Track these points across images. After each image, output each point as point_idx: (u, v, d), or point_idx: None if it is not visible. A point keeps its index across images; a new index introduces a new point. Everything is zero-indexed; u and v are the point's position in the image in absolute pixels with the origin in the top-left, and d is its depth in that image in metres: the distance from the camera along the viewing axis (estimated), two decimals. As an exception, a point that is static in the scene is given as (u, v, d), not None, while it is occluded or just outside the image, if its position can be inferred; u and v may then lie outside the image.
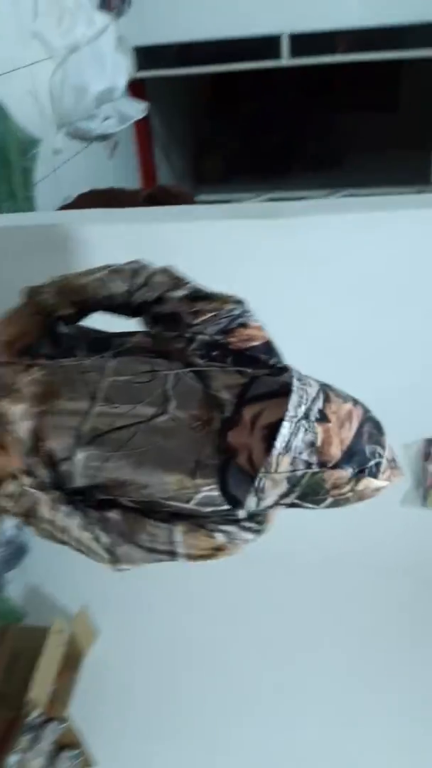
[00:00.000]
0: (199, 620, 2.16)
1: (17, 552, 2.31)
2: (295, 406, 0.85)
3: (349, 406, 0.89)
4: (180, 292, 1.10)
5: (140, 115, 3.66)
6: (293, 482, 0.86)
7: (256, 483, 0.87)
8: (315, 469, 0.85)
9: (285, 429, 0.83)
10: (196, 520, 1.02)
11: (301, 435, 0.84)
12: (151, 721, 2.02)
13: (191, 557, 1.03)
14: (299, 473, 0.85)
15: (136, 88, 3.82)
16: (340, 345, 1.74)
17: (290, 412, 0.84)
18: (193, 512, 1.01)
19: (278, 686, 2.04)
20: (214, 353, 1.03)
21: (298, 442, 0.83)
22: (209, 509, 1.00)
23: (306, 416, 0.85)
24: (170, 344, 1.06)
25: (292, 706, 2.00)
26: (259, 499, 0.89)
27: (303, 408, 0.85)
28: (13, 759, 1.53)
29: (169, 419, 1.00)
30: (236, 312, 1.06)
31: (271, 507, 0.94)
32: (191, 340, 1.04)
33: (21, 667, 1.89)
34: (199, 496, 0.98)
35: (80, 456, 1.02)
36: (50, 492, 1.05)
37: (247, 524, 1.02)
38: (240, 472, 0.93)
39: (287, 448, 0.83)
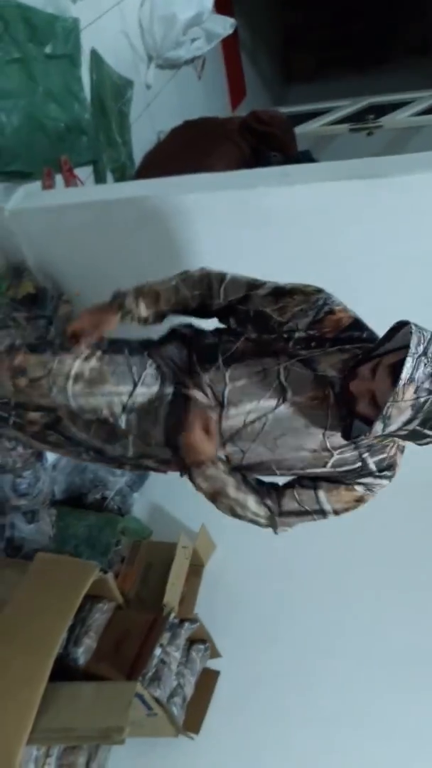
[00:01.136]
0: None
1: (140, 477, 2.65)
2: (415, 345, 1.01)
3: None
4: (262, 291, 1.24)
5: (228, 31, 3.56)
6: (417, 408, 1.02)
7: (384, 411, 1.03)
8: None
9: (408, 363, 0.99)
10: (335, 478, 1.24)
11: (422, 368, 1.00)
12: (259, 618, 2.36)
13: (338, 512, 1.26)
14: (422, 399, 1.01)
15: (221, -1, 3.67)
16: None
17: (412, 350, 1.00)
18: (330, 474, 1.24)
19: (379, 599, 2.30)
20: (313, 344, 1.19)
21: (420, 374, 1.00)
22: (344, 469, 1.22)
23: (425, 353, 1.01)
24: (272, 345, 1.22)
25: (396, 619, 2.25)
26: (385, 426, 1.06)
27: (422, 347, 1.01)
28: (158, 651, 1.90)
29: (289, 405, 1.19)
30: (320, 302, 1.19)
31: (394, 432, 1.09)
32: (289, 338, 1.20)
33: (154, 576, 2.24)
34: (333, 459, 1.20)
35: (221, 454, 1.25)
36: (234, 475, 1.27)
37: (380, 474, 1.23)
38: (360, 422, 1.12)
39: (411, 378, 0.99)
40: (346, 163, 1.75)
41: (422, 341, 1.01)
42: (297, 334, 1.20)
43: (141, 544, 2.36)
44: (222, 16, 3.52)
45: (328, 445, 1.19)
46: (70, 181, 2.56)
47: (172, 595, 2.14)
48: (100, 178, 2.79)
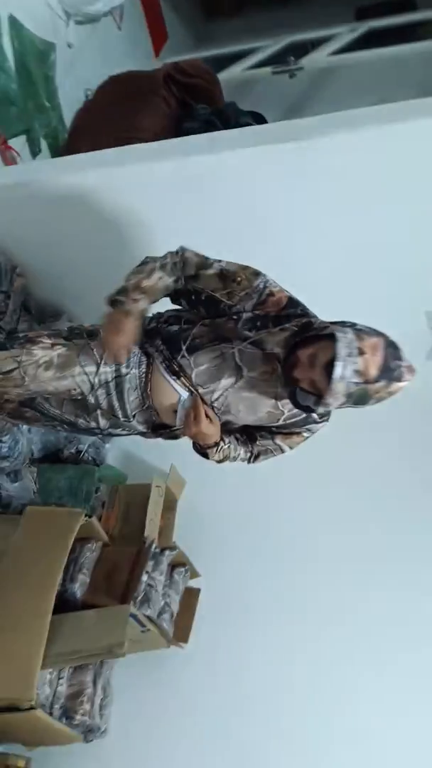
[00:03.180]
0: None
1: (110, 428, 2.86)
2: (343, 352, 1.25)
3: (374, 339, 1.30)
4: (211, 270, 1.43)
5: (143, -22, 3.54)
6: (348, 395, 1.28)
7: (324, 400, 1.29)
8: (362, 386, 1.27)
9: (338, 367, 1.24)
10: (288, 429, 1.56)
11: (350, 367, 1.25)
12: (230, 537, 2.67)
13: (291, 447, 1.61)
14: (351, 390, 1.27)
15: None
16: (364, 245, 2.04)
17: (339, 355, 1.24)
18: (282, 426, 1.55)
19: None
20: (259, 323, 1.41)
21: (349, 372, 1.25)
22: (292, 421, 1.52)
23: (350, 354, 1.25)
24: (223, 326, 1.44)
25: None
26: (326, 407, 1.33)
27: (347, 350, 1.25)
28: (144, 577, 2.17)
29: (246, 380, 1.44)
30: (261, 285, 1.41)
31: (334, 408, 1.36)
32: (238, 319, 1.42)
33: (133, 515, 2.50)
34: (284, 416, 1.50)
35: None
36: (231, 439, 1.59)
37: (321, 420, 1.55)
38: (304, 392, 1.37)
39: (342, 377, 1.25)
40: (268, 128, 1.91)
41: (346, 344, 1.25)
42: (244, 315, 1.41)
43: (118, 489, 2.60)
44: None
45: (280, 406, 1.47)
46: (6, 153, 2.63)
47: (151, 529, 2.41)
48: (34, 146, 2.86)
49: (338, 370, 1.23)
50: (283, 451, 1.61)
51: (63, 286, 2.45)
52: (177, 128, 3.16)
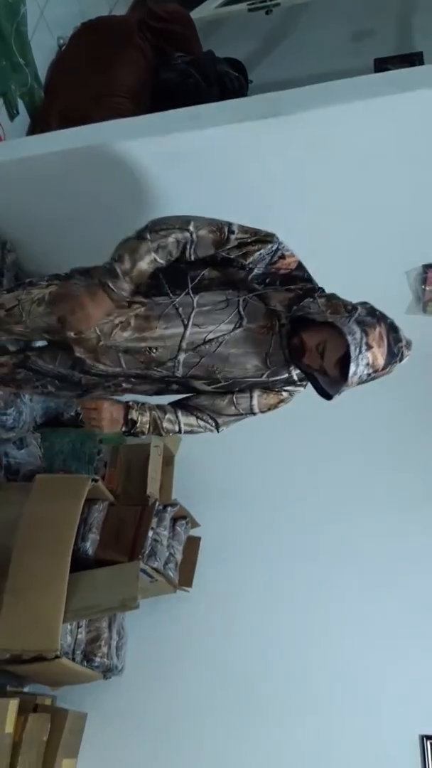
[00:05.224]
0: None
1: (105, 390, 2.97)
2: (354, 350, 1.32)
3: (378, 329, 1.36)
4: (228, 246, 1.46)
5: None
6: (360, 382, 1.38)
7: (338, 393, 1.40)
8: (372, 375, 1.37)
9: (352, 367, 1.32)
10: (266, 385, 1.62)
11: (363, 363, 1.33)
12: (225, 486, 2.87)
13: (262, 411, 1.66)
14: (363, 378, 1.37)
15: None
16: (347, 212, 2.11)
17: (353, 354, 1.32)
18: (264, 383, 1.62)
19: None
20: (267, 280, 1.49)
21: (361, 368, 1.34)
22: (274, 379, 1.60)
23: (360, 352, 1.33)
24: (235, 275, 1.50)
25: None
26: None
27: (357, 349, 1.33)
28: (150, 533, 2.35)
29: (243, 330, 1.52)
30: (275, 248, 1.46)
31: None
32: (250, 271, 1.47)
33: (135, 473, 2.66)
34: (268, 371, 1.57)
35: (182, 357, 1.57)
36: (166, 410, 1.65)
37: (300, 382, 1.63)
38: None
39: (354, 373, 1.34)
40: (251, 101, 1.92)
41: (356, 342, 1.31)
42: (255, 271, 1.47)
43: (119, 449, 2.74)
44: None
45: (268, 362, 1.55)
46: (-15, 120, 2.59)
47: (153, 487, 2.58)
48: (11, 108, 2.80)
49: (352, 368, 1.32)
50: (253, 413, 1.66)
51: (53, 259, 2.48)
52: (154, 80, 3.10)
